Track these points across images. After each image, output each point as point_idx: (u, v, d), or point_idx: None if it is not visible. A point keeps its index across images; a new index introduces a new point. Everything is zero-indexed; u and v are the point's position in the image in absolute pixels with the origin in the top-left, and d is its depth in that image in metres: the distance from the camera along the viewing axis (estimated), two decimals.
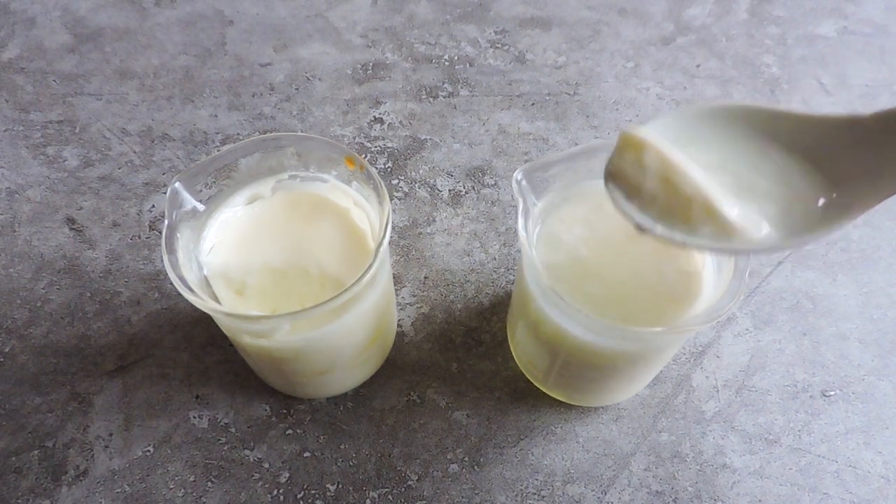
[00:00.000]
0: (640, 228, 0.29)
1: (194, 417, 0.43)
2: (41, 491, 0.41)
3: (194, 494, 0.41)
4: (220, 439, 0.43)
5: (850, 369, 0.46)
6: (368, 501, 0.41)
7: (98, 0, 0.67)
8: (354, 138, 0.57)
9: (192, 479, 0.41)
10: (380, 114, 0.59)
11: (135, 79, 0.61)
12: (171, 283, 0.43)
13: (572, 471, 0.42)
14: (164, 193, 0.53)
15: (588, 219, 0.39)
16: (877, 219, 0.53)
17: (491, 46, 0.64)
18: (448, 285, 0.49)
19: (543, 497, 0.41)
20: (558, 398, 0.44)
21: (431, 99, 0.60)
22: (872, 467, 0.42)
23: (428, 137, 0.57)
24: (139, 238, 0.51)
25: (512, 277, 0.50)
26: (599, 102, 0.60)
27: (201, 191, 0.38)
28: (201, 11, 0.66)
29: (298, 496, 0.41)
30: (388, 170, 0.55)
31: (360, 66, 0.62)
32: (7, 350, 0.46)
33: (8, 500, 0.40)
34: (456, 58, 0.63)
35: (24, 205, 0.53)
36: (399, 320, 0.48)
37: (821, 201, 0.27)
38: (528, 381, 0.45)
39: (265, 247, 0.39)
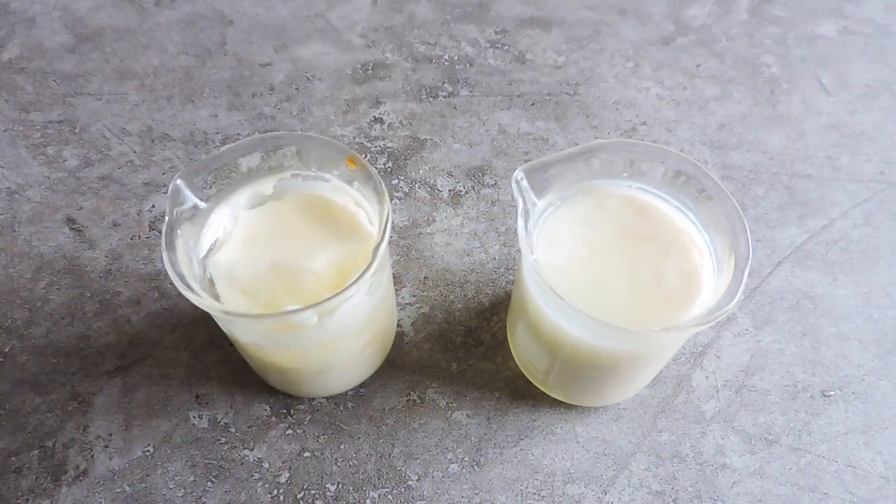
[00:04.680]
0: None
1: (194, 417, 0.43)
2: (41, 491, 0.41)
3: (194, 494, 0.41)
4: (220, 439, 0.43)
5: (850, 369, 0.46)
6: (368, 501, 0.41)
7: (98, 0, 0.67)
8: (354, 138, 0.57)
9: (192, 479, 0.41)
10: (380, 114, 0.59)
11: (135, 79, 0.61)
12: (171, 283, 0.43)
13: (572, 471, 0.42)
14: (164, 193, 0.53)
15: (588, 219, 0.39)
16: (877, 219, 0.53)
17: (491, 46, 0.64)
18: (448, 285, 0.49)
19: (543, 497, 0.41)
20: (558, 398, 0.44)
21: (431, 99, 0.60)
22: (872, 467, 0.42)
23: (428, 137, 0.57)
24: (139, 238, 0.51)
25: (512, 277, 0.50)
26: (599, 102, 0.60)
27: (202, 189, 0.38)
28: (201, 11, 0.66)
29: (298, 496, 0.41)
30: (388, 170, 0.55)
31: (360, 66, 0.62)
32: (7, 350, 0.46)
33: (8, 500, 0.40)
34: (456, 58, 0.63)
35: (24, 205, 0.53)
36: (399, 320, 0.48)
37: None
38: (528, 381, 0.45)
39: (269, 247, 0.39)
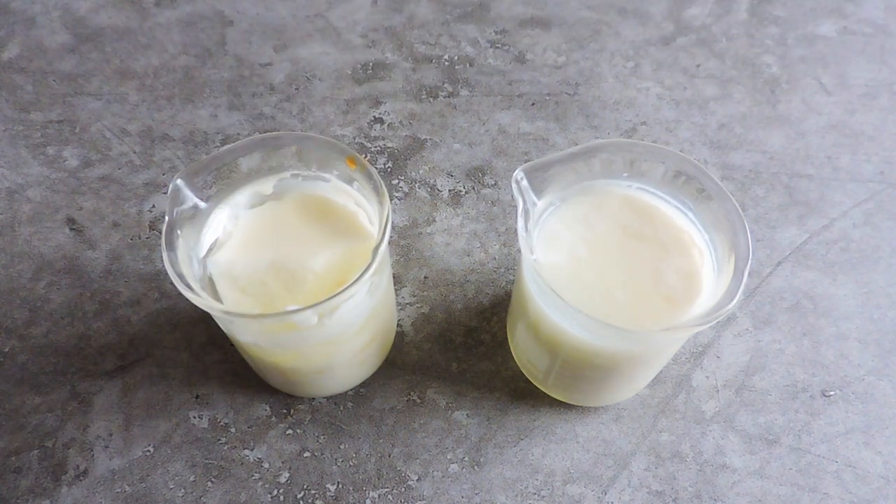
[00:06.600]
0: None
1: (194, 417, 0.43)
2: (41, 491, 0.41)
3: (194, 494, 0.41)
4: (220, 439, 0.43)
5: (850, 369, 0.46)
6: (368, 501, 0.41)
7: (98, 0, 0.67)
8: (354, 138, 0.57)
9: (192, 479, 0.41)
10: (380, 114, 0.59)
11: (135, 79, 0.61)
12: (171, 283, 0.43)
13: (572, 471, 0.42)
14: (165, 193, 0.53)
15: (587, 218, 0.39)
16: (877, 219, 0.53)
17: (491, 46, 0.64)
18: (448, 285, 0.49)
19: (543, 497, 0.41)
20: (558, 398, 0.44)
21: (431, 99, 0.60)
22: (872, 467, 0.42)
23: (428, 137, 0.57)
24: (139, 238, 0.51)
25: (512, 277, 0.50)
26: (599, 102, 0.60)
27: (202, 189, 0.38)
28: (201, 11, 0.66)
29: (298, 496, 0.41)
30: (388, 170, 0.55)
31: (360, 66, 0.62)
32: (7, 350, 0.46)
33: (8, 500, 0.40)
34: (456, 58, 0.63)
35: (24, 205, 0.53)
36: (399, 320, 0.48)
37: None
38: (528, 381, 0.45)
39: (269, 247, 0.39)
